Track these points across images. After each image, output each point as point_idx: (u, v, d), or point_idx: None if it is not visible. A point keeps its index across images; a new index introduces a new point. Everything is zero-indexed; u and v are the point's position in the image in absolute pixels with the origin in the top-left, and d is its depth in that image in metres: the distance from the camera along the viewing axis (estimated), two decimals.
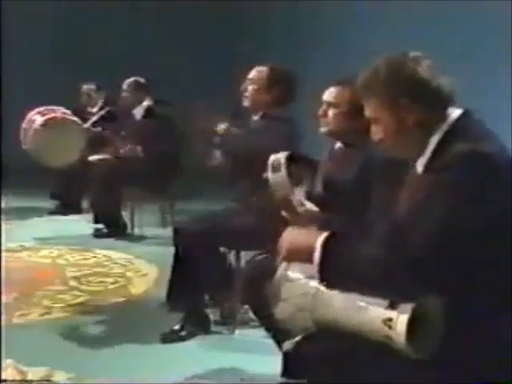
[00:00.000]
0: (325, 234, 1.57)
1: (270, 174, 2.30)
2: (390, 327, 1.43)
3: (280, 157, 2.31)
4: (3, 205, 5.38)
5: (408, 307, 1.43)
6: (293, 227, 1.74)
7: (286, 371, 1.75)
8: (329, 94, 2.45)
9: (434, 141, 1.63)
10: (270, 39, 6.72)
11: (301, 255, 1.62)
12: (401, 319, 1.42)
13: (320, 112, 2.45)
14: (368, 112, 1.71)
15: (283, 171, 2.28)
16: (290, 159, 2.32)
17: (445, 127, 1.63)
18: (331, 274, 1.56)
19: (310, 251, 1.57)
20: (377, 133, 1.71)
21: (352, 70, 2.52)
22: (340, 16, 6.15)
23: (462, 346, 1.47)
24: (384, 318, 1.44)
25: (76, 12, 7.33)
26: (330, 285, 1.56)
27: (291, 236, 1.69)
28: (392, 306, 1.45)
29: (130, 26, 7.29)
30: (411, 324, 1.42)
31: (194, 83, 6.67)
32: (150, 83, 5.06)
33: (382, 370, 1.51)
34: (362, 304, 1.49)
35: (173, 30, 7.25)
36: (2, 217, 4.90)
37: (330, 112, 2.43)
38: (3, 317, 3.13)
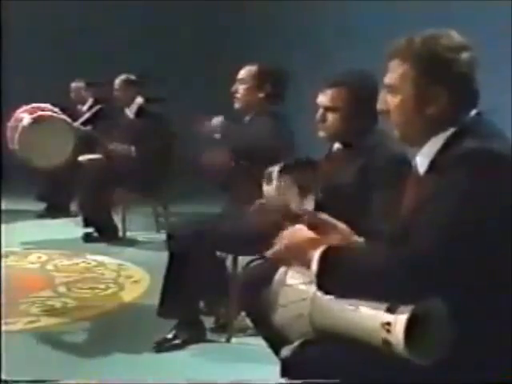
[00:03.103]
0: (323, 247, 1.52)
1: (263, 185, 2.29)
2: (388, 331, 1.40)
3: (274, 169, 2.30)
4: None
5: (407, 310, 1.39)
6: (297, 227, 1.67)
7: (285, 375, 1.69)
8: (324, 97, 2.39)
9: (440, 140, 1.55)
10: (267, 39, 6.70)
11: (298, 261, 1.59)
12: (399, 322, 1.39)
13: (318, 117, 2.40)
14: (388, 78, 1.60)
15: (274, 184, 2.27)
16: (292, 168, 2.29)
17: (454, 128, 1.54)
18: (329, 285, 1.51)
19: (308, 260, 1.53)
20: (385, 103, 1.61)
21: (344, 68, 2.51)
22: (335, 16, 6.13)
23: (462, 348, 1.42)
24: (382, 321, 1.41)
25: (76, 11, 7.33)
26: (328, 294, 1.53)
27: (293, 238, 1.62)
28: (391, 310, 1.42)
29: (130, 24, 7.29)
30: (410, 328, 1.38)
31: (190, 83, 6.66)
32: (142, 80, 4.99)
33: (381, 373, 1.47)
34: (361, 308, 1.47)
35: (171, 28, 7.25)
36: None
37: (329, 116, 2.38)
38: None
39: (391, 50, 1.59)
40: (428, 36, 1.55)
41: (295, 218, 2.17)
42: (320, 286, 1.51)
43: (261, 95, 3.08)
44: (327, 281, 1.50)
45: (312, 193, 2.29)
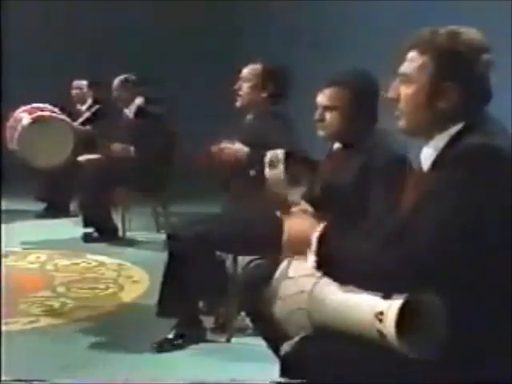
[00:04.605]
0: (321, 227, 1.55)
1: (267, 170, 2.26)
2: (381, 321, 1.41)
3: (278, 153, 2.28)
4: None
5: (399, 300, 1.40)
6: (298, 216, 1.71)
7: (285, 373, 1.69)
8: (323, 97, 2.39)
9: (445, 136, 1.54)
10: (268, 38, 6.70)
11: (300, 246, 1.60)
12: (391, 311, 1.40)
13: (316, 116, 2.40)
14: (405, 68, 1.59)
15: (281, 168, 2.25)
16: (288, 157, 2.27)
17: (462, 124, 1.54)
18: (328, 268, 1.52)
19: (309, 243, 1.54)
20: (396, 91, 1.60)
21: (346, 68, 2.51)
22: (337, 16, 6.13)
23: (461, 348, 1.42)
24: (376, 311, 1.42)
25: (76, 11, 7.33)
26: (326, 275, 1.55)
27: (294, 225, 1.64)
28: (385, 298, 1.43)
29: (130, 23, 7.28)
30: (403, 320, 1.39)
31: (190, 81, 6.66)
32: (141, 80, 4.99)
33: (381, 369, 1.47)
34: (356, 299, 1.49)
35: (172, 28, 7.24)
36: None
37: (327, 115, 2.37)
38: None
39: (412, 40, 1.59)
40: (452, 31, 1.55)
41: (286, 207, 2.18)
42: (318, 267, 1.52)
43: (264, 94, 3.06)
44: (325, 261, 1.51)
45: (300, 185, 2.28)
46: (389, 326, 1.40)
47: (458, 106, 1.53)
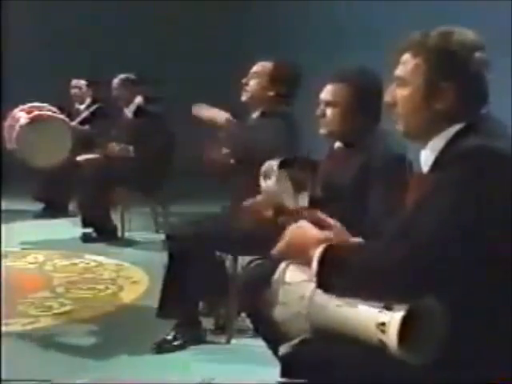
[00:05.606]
0: (323, 246, 1.52)
1: (261, 181, 2.26)
2: (383, 332, 1.39)
3: (273, 164, 2.27)
4: None
5: (401, 311, 1.38)
6: (299, 223, 1.67)
7: (285, 374, 1.69)
8: (326, 93, 2.38)
9: (445, 136, 1.53)
10: (272, 38, 6.70)
11: (299, 258, 1.59)
12: (393, 323, 1.38)
13: (318, 112, 2.39)
14: (399, 70, 1.59)
15: (274, 179, 2.24)
16: (290, 164, 2.26)
17: (460, 124, 1.53)
18: (329, 284, 1.51)
19: (309, 258, 1.52)
20: (392, 95, 1.60)
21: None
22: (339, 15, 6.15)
23: (461, 347, 1.42)
24: (377, 322, 1.41)
25: (76, 11, 7.34)
26: (328, 292, 1.53)
27: (295, 235, 1.62)
28: (386, 310, 1.42)
29: (130, 23, 7.29)
30: (405, 329, 1.38)
31: (192, 82, 6.65)
32: (141, 79, 4.98)
33: (380, 370, 1.47)
34: (357, 308, 1.47)
35: (173, 27, 7.24)
36: None
37: (329, 111, 2.36)
38: None
39: (405, 43, 1.59)
40: (443, 32, 1.55)
41: (289, 215, 2.17)
42: (320, 285, 1.51)
43: (271, 93, 3.02)
44: (327, 280, 1.50)
45: (307, 190, 2.27)
46: (391, 337, 1.38)
47: (455, 106, 1.52)
